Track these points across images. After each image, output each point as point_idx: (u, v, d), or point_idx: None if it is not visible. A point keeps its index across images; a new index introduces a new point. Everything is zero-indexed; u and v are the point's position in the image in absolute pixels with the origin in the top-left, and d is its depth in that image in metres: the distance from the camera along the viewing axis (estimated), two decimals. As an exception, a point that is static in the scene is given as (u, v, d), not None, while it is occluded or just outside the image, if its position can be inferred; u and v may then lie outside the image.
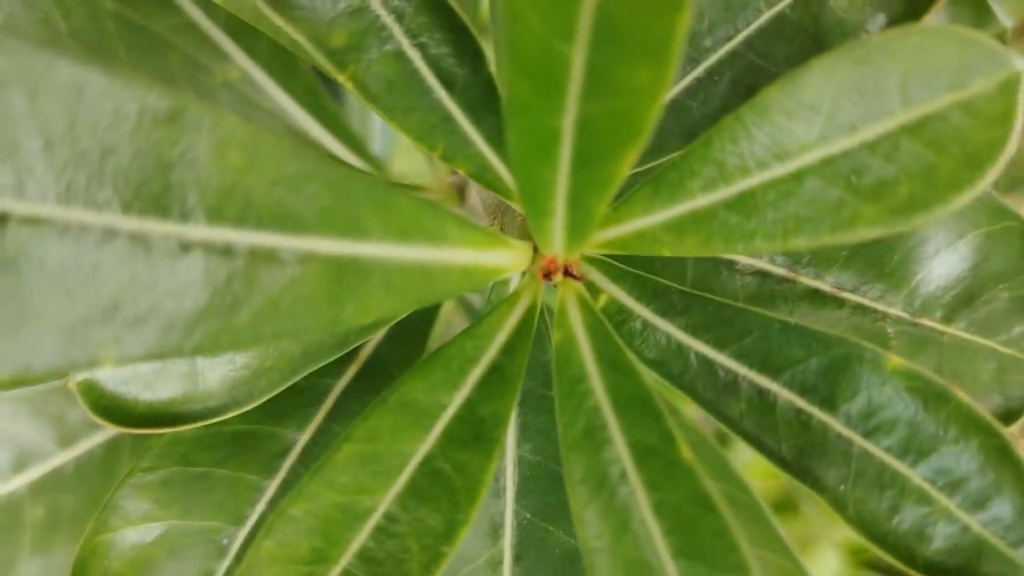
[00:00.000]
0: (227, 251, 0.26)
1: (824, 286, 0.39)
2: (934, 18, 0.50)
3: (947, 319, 0.38)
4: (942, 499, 0.29)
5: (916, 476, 0.29)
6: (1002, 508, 0.28)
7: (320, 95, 0.60)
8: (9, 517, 0.54)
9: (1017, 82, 0.25)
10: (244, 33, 0.57)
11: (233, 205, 0.26)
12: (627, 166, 0.26)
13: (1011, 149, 0.25)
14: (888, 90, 0.26)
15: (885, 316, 0.38)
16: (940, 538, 0.28)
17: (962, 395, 0.28)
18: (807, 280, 0.39)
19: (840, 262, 0.39)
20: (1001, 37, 0.50)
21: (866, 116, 0.27)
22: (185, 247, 0.25)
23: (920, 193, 0.26)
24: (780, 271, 0.40)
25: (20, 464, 0.54)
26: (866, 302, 0.39)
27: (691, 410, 0.67)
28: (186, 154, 0.25)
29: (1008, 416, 0.36)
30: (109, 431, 0.56)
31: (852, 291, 0.39)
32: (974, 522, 0.28)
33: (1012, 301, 0.37)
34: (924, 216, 0.27)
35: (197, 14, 0.57)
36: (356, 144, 0.63)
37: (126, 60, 0.50)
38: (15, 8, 0.48)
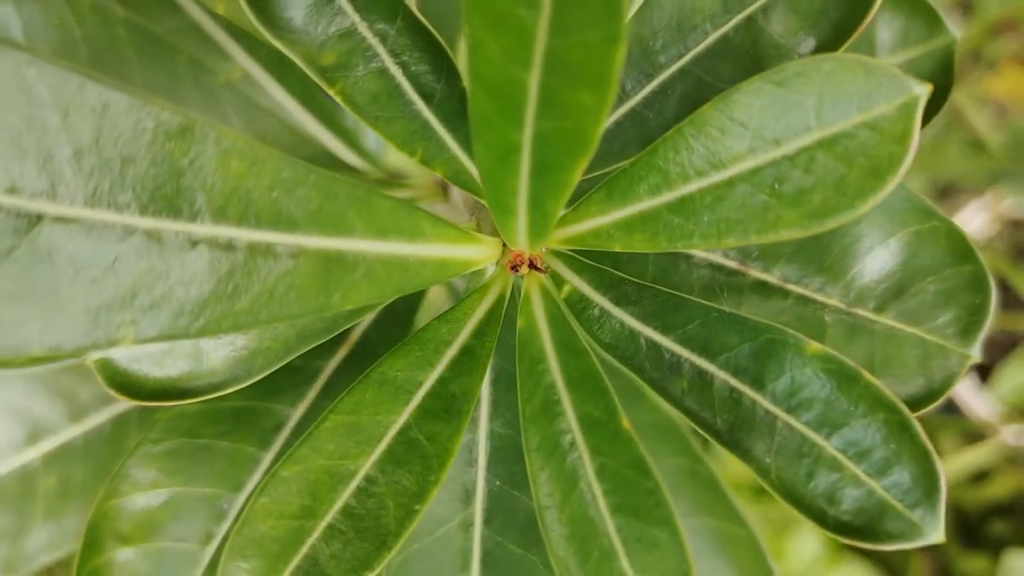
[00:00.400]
0: (229, 246, 0.30)
1: (771, 278, 0.43)
2: (886, 29, 0.54)
3: (879, 309, 0.42)
4: (851, 467, 0.33)
5: (829, 447, 0.33)
6: (902, 475, 0.32)
7: (317, 93, 0.64)
8: (24, 486, 0.58)
9: (915, 105, 0.29)
10: (245, 35, 0.61)
11: (235, 206, 0.30)
12: (578, 173, 0.30)
13: (909, 162, 0.29)
14: (806, 110, 0.30)
15: (824, 306, 0.42)
16: (849, 500, 0.32)
17: (870, 376, 0.32)
18: (756, 273, 0.43)
19: (785, 256, 0.43)
20: (950, 48, 0.53)
21: (787, 132, 0.31)
22: (193, 242, 0.29)
23: (833, 200, 0.30)
24: (732, 264, 0.44)
25: (34, 437, 0.58)
26: (808, 293, 0.42)
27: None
28: (195, 162, 0.29)
29: (931, 397, 0.40)
30: (116, 408, 0.60)
31: (796, 283, 0.43)
32: (878, 487, 0.32)
33: (937, 294, 0.41)
34: (836, 220, 0.30)
35: (200, 16, 0.61)
36: (351, 139, 0.67)
37: (136, 63, 0.54)
38: (34, 13, 0.52)
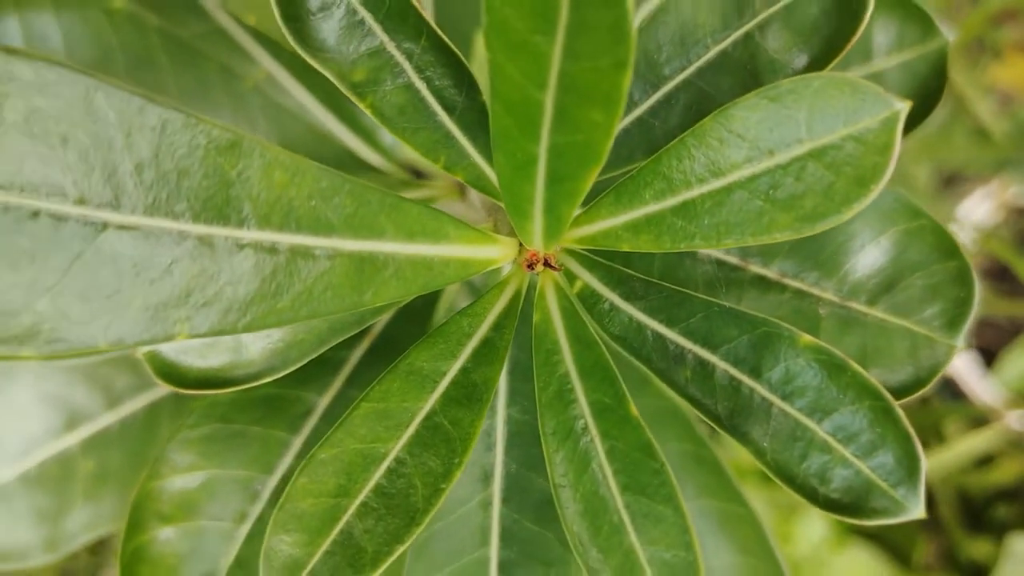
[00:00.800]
0: (273, 249, 0.33)
1: (770, 273, 0.46)
2: (883, 33, 0.57)
3: (871, 302, 0.44)
4: (840, 449, 0.35)
5: (820, 431, 0.36)
6: (886, 457, 0.35)
7: (337, 94, 0.66)
8: (64, 470, 0.61)
9: (896, 119, 0.32)
10: (269, 39, 0.63)
11: (278, 213, 0.33)
12: (589, 182, 0.33)
13: (891, 172, 0.32)
14: (797, 123, 0.33)
15: (819, 299, 0.45)
16: (838, 480, 0.35)
17: (856, 366, 0.35)
18: (755, 268, 0.46)
19: (783, 253, 0.46)
20: (943, 50, 0.56)
21: (780, 143, 0.33)
22: (240, 246, 0.32)
23: (822, 205, 0.33)
24: (733, 260, 0.47)
25: (72, 424, 0.62)
26: (804, 287, 0.45)
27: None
28: (242, 174, 0.32)
29: (919, 384, 0.43)
30: (150, 396, 0.63)
31: (793, 278, 0.46)
32: (865, 467, 0.35)
33: (924, 288, 0.44)
34: (825, 224, 0.33)
35: (227, 21, 0.63)
36: (369, 137, 0.70)
37: (169, 69, 0.57)
38: (73, 23, 0.55)
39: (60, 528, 0.61)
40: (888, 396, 0.35)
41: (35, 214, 0.29)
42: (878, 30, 0.56)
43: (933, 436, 1.63)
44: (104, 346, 0.31)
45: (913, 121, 0.55)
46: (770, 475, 0.36)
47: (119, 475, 0.62)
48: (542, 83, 0.30)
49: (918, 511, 0.34)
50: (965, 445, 1.54)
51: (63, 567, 1.38)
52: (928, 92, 0.54)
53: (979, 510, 1.69)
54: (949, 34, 0.57)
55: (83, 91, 0.29)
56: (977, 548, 1.61)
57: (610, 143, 0.31)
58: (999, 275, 1.73)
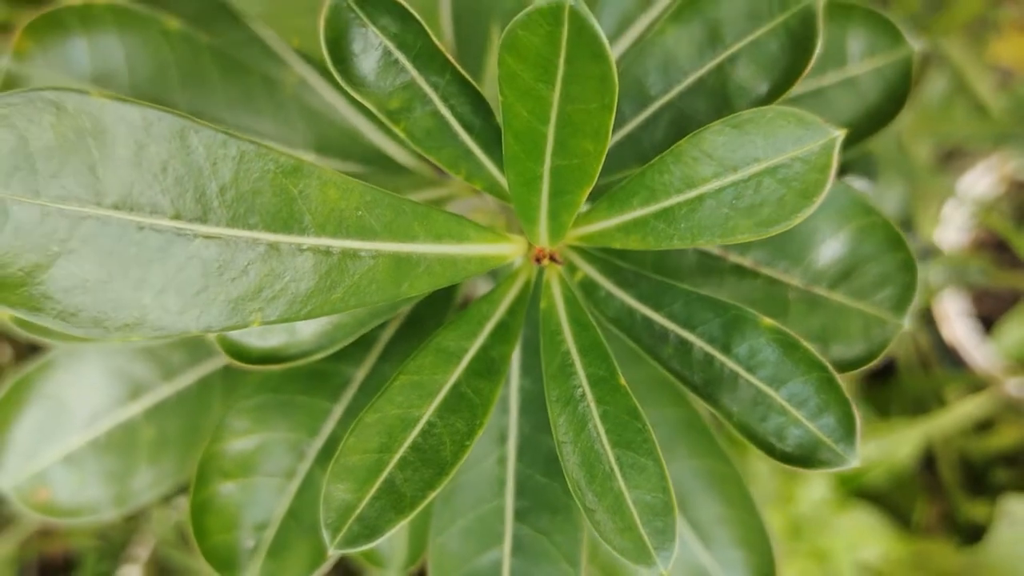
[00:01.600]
0: (328, 252, 0.40)
1: (745, 262, 0.53)
2: (856, 43, 0.63)
3: (831, 287, 0.52)
4: (794, 412, 0.43)
5: (778, 397, 0.43)
6: (830, 419, 0.42)
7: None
8: (129, 436, 0.69)
9: (833, 145, 0.39)
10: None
11: (331, 222, 0.40)
12: (584, 196, 0.41)
13: (829, 187, 0.39)
14: (755, 146, 0.40)
15: (788, 285, 0.52)
16: (791, 437, 0.43)
17: (807, 344, 0.43)
18: (734, 258, 0.54)
19: (757, 245, 0.53)
20: (909, 58, 0.62)
21: (742, 162, 0.41)
22: (302, 250, 0.40)
23: (776, 213, 0.40)
24: (715, 251, 0.54)
25: (135, 394, 0.69)
26: (775, 274, 0.53)
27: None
28: (303, 192, 0.39)
29: (870, 357, 0.51)
30: (202, 370, 0.71)
31: (765, 266, 0.53)
32: (813, 427, 0.42)
33: (877, 275, 0.51)
34: (779, 228, 0.41)
35: (262, 29, 0.70)
36: (398, 138, 0.76)
37: (218, 81, 0.64)
38: (135, 43, 0.62)
39: (127, 487, 0.68)
40: (831, 369, 0.42)
41: (140, 228, 0.37)
42: (852, 39, 0.62)
43: (935, 402, 1.68)
44: (196, 332, 0.38)
45: (883, 119, 0.63)
46: (736, 433, 0.43)
47: (177, 440, 0.69)
48: (545, 120, 0.37)
49: (855, 462, 0.42)
50: (965, 411, 1.58)
51: (99, 531, 1.47)
52: (896, 94, 0.61)
53: (979, 473, 1.73)
54: (916, 44, 0.63)
55: (179, 129, 0.37)
56: (976, 510, 1.65)
57: (600, 166, 0.39)
58: (999, 247, 1.78)
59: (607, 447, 0.42)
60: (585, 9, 0.34)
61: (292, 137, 0.67)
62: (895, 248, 0.50)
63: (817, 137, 0.39)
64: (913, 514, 1.68)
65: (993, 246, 1.77)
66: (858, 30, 0.62)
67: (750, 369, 0.44)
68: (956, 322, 1.68)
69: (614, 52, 0.61)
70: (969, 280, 1.71)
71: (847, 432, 0.42)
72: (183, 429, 0.70)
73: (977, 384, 1.63)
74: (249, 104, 0.66)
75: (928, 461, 1.72)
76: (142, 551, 1.46)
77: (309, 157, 0.68)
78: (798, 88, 0.54)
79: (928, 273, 1.66)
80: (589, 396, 0.43)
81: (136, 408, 0.69)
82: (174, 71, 0.63)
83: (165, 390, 0.70)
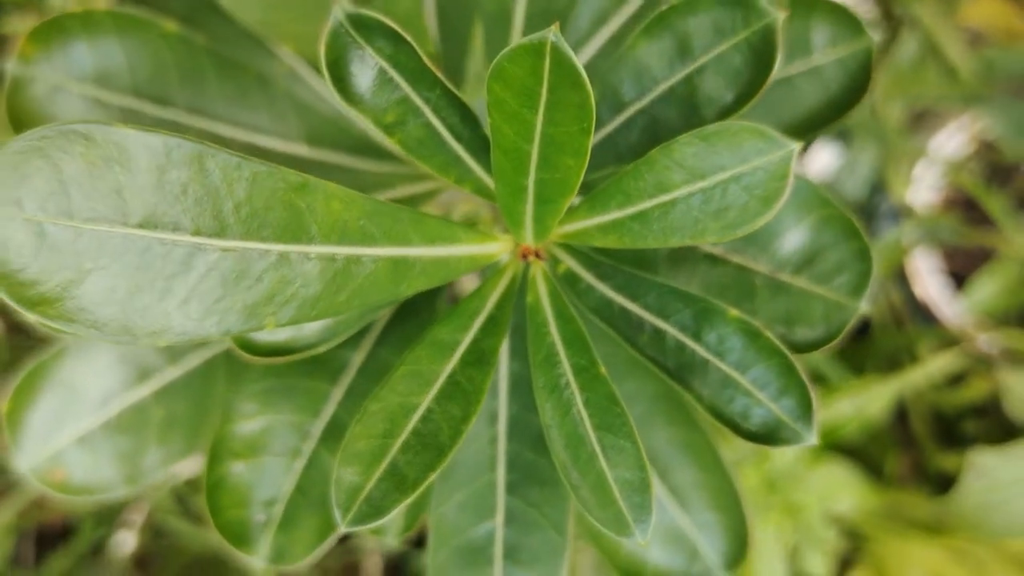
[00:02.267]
0: (333, 259, 0.44)
1: (716, 251, 0.58)
2: (819, 35, 0.67)
3: (795, 274, 0.56)
4: (757, 393, 0.47)
5: (744, 381, 0.48)
6: (790, 401, 0.47)
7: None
8: (139, 416, 0.72)
9: (791, 156, 0.43)
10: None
11: (336, 232, 0.44)
12: (566, 204, 0.45)
13: (788, 194, 0.43)
14: (721, 156, 0.44)
15: (755, 272, 0.57)
16: (756, 417, 0.47)
17: (768, 333, 0.47)
18: (706, 247, 0.58)
19: (726, 235, 0.57)
20: (869, 49, 0.66)
21: (709, 170, 0.45)
22: (309, 258, 0.43)
23: (740, 216, 0.45)
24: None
25: (144, 376, 0.73)
26: (743, 262, 0.57)
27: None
28: (310, 205, 0.43)
29: (830, 338, 0.55)
30: (206, 353, 0.75)
31: (735, 254, 0.57)
32: (776, 408, 0.47)
33: (835, 263, 0.55)
34: (743, 230, 0.45)
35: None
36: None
37: (215, 80, 0.67)
38: (134, 45, 0.65)
39: (138, 466, 0.72)
40: (789, 356, 0.47)
41: (164, 244, 0.41)
42: (816, 31, 0.66)
43: (908, 357, 1.73)
44: (216, 336, 0.42)
45: (845, 107, 0.67)
46: (707, 413, 0.48)
47: (185, 420, 0.73)
48: (529, 140, 0.41)
49: (813, 440, 0.46)
50: (937, 365, 1.63)
51: (67, 526, 1.52)
52: (858, 83, 0.65)
53: (951, 426, 1.78)
54: (876, 36, 0.67)
55: (197, 154, 0.40)
56: (946, 461, 1.70)
57: (580, 179, 0.43)
58: (968, 206, 1.82)
59: (590, 430, 0.46)
60: (565, 45, 0.38)
61: (286, 130, 0.71)
62: (852, 237, 0.54)
63: (776, 149, 0.43)
64: (885, 465, 1.72)
65: (963, 205, 1.82)
66: (821, 22, 0.66)
67: (719, 355, 0.48)
68: (928, 279, 1.73)
69: (591, 48, 0.64)
70: (940, 238, 1.76)
71: (804, 412, 0.46)
72: (190, 409, 0.73)
73: (949, 339, 1.67)
74: (245, 100, 0.69)
75: (901, 414, 1.77)
76: (137, 516, 1.50)
77: (302, 149, 0.71)
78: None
79: (901, 232, 1.71)
80: (573, 384, 0.47)
81: (145, 390, 0.73)
82: (173, 71, 0.66)
83: (172, 372, 0.74)
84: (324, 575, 1.52)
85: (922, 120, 1.86)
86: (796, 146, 0.43)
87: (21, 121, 0.63)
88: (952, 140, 1.76)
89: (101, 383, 0.72)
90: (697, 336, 0.49)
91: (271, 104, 0.70)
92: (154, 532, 1.53)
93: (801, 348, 0.54)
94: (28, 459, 0.70)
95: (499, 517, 0.58)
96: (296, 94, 0.73)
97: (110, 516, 1.52)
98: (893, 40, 1.69)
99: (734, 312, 0.48)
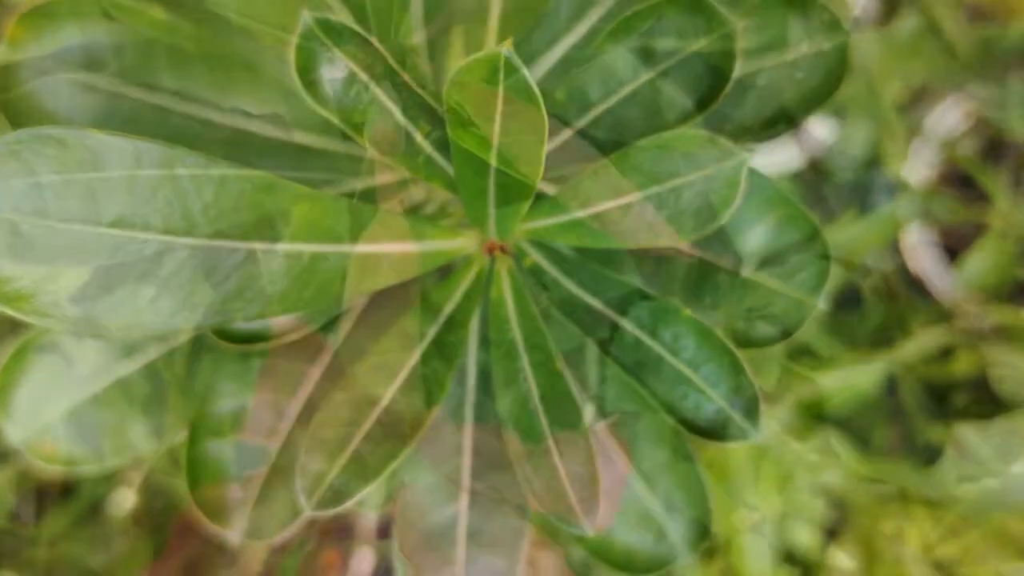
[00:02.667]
0: (299, 256, 0.46)
1: (683, 246, 0.59)
2: (797, 28, 0.68)
3: (757, 271, 0.58)
4: (709, 391, 0.49)
5: (696, 378, 0.49)
6: (739, 400, 0.49)
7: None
8: (125, 392, 0.75)
9: (742, 165, 0.45)
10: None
11: (302, 230, 0.46)
12: (527, 205, 0.46)
13: (739, 200, 0.45)
14: (677, 162, 0.46)
15: (719, 268, 0.58)
16: (708, 412, 0.49)
17: (719, 332, 0.49)
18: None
19: (692, 230, 0.59)
20: (845, 43, 0.67)
21: (665, 175, 0.46)
22: (276, 256, 0.45)
23: (694, 221, 0.46)
24: (655, 235, 0.60)
25: (129, 353, 0.75)
26: (708, 257, 0.58)
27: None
28: (278, 205, 0.45)
29: (787, 333, 0.57)
30: (191, 335, 0.77)
31: (700, 250, 0.59)
32: (726, 405, 0.49)
33: (796, 260, 0.57)
34: (698, 234, 0.46)
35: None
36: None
37: (203, 68, 0.68)
38: (124, 32, 0.66)
39: (125, 438, 0.74)
40: (738, 355, 0.48)
41: (134, 241, 0.42)
42: (794, 24, 0.67)
43: (899, 330, 1.75)
44: (187, 329, 0.44)
45: (818, 99, 0.68)
46: (659, 409, 0.50)
47: (167, 398, 0.75)
48: (487, 150, 0.42)
49: (759, 437, 0.48)
50: (928, 338, 1.64)
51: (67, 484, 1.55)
52: (833, 75, 0.67)
53: (940, 398, 1.80)
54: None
55: (167, 158, 0.42)
56: (934, 433, 1.72)
57: (535, 186, 0.44)
58: (964, 182, 1.83)
59: (545, 425, 0.48)
60: (518, 60, 0.39)
61: (273, 116, 0.72)
62: (811, 237, 0.56)
63: (729, 157, 0.45)
64: (874, 437, 1.74)
65: (959, 180, 1.82)
66: (798, 17, 0.67)
67: (673, 353, 0.50)
68: (922, 254, 1.74)
69: (567, 42, 0.65)
70: (935, 213, 1.76)
71: (751, 411, 0.48)
72: (175, 384, 0.76)
73: (941, 313, 1.68)
74: (232, 86, 0.70)
75: (891, 386, 1.79)
76: (136, 475, 1.53)
77: (288, 134, 0.73)
78: (749, 67, 0.59)
79: (895, 206, 1.72)
80: (530, 379, 0.49)
81: (132, 366, 0.75)
82: (161, 57, 0.67)
83: (157, 349, 0.76)
84: (319, 533, 1.55)
85: (919, 96, 1.85)
86: (747, 155, 0.44)
87: (9, 105, 0.64)
88: (948, 116, 1.76)
89: (89, 358, 0.74)
90: (654, 333, 0.50)
91: (258, 90, 0.72)
92: (152, 490, 1.56)
93: (759, 343, 0.55)
94: (20, 431, 0.72)
95: (462, 501, 0.60)
96: (283, 81, 0.74)
97: (109, 474, 1.55)
98: (892, 15, 1.69)
99: (687, 312, 0.49)
